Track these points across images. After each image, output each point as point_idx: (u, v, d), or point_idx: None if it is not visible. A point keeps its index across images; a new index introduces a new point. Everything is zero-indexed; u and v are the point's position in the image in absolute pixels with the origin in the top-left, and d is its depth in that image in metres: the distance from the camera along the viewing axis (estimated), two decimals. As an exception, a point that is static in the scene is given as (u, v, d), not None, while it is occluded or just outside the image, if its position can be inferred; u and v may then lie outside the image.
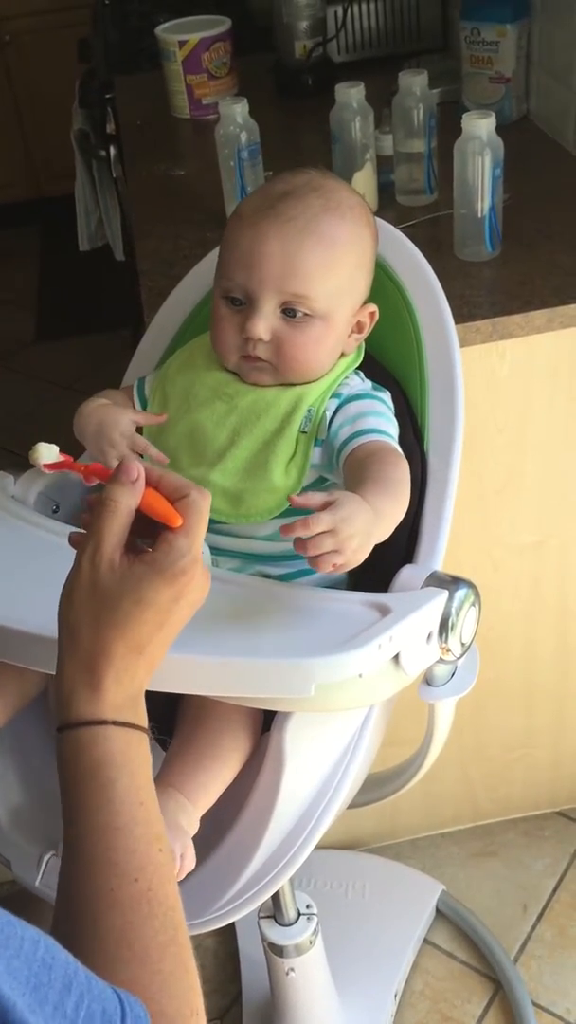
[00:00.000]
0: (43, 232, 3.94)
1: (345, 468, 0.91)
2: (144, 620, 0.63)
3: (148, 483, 0.66)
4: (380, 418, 0.94)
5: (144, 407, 1.04)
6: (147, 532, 0.66)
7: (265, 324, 0.92)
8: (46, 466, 0.79)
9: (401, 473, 0.88)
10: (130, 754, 0.63)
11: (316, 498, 0.77)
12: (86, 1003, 0.48)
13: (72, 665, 0.64)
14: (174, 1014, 0.57)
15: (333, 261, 0.92)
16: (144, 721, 0.66)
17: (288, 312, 0.92)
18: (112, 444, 0.96)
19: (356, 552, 0.76)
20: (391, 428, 0.94)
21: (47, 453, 0.79)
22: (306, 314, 0.92)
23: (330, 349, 0.95)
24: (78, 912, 0.60)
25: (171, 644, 0.66)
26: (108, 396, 1.04)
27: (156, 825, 0.63)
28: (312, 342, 0.93)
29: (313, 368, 0.95)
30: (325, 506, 0.76)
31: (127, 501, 0.65)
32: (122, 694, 0.64)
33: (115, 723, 0.63)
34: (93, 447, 0.99)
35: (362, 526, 0.76)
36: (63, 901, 0.61)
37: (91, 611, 0.64)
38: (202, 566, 0.66)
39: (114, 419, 0.97)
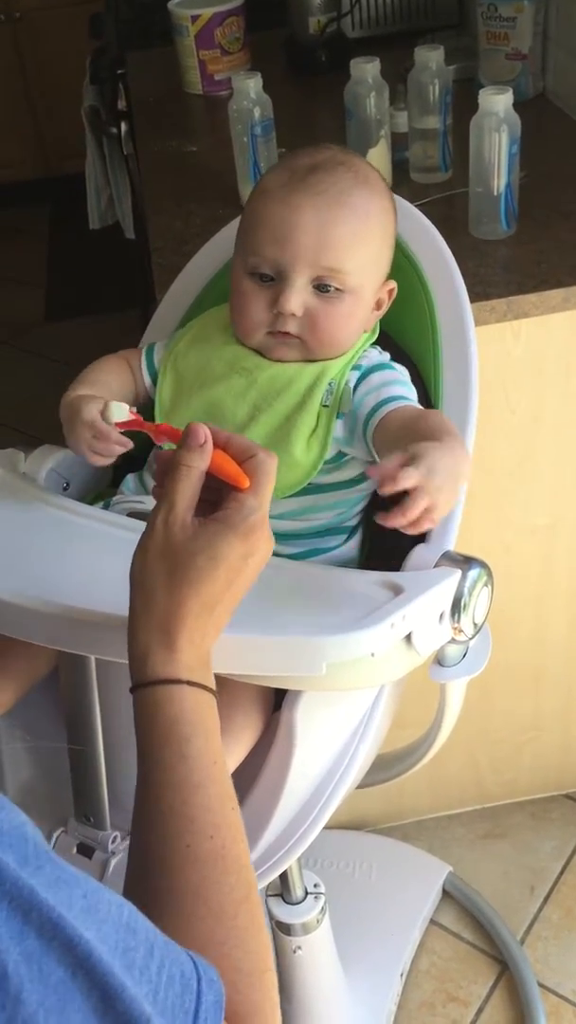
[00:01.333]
0: (53, 210, 3.92)
1: (379, 436, 0.90)
2: (216, 577, 0.65)
3: (216, 445, 0.68)
4: (403, 386, 0.94)
5: (153, 378, 1.03)
6: (214, 495, 0.68)
7: (299, 299, 0.91)
8: (117, 424, 0.82)
9: (449, 422, 0.87)
10: (202, 714, 0.65)
11: (393, 460, 0.76)
12: (167, 967, 0.48)
13: (146, 625, 0.66)
14: (250, 970, 0.58)
15: (365, 234, 0.92)
16: (213, 684, 0.67)
17: (320, 287, 0.91)
18: (77, 437, 0.92)
19: (448, 500, 0.77)
20: (412, 395, 0.94)
21: (118, 412, 0.82)
22: (338, 289, 0.91)
23: (359, 324, 0.95)
24: (154, 870, 0.61)
25: (235, 606, 0.68)
26: (95, 375, 1.01)
27: (228, 785, 0.65)
28: (344, 317, 0.92)
29: (343, 343, 0.94)
30: (405, 462, 0.75)
31: (198, 464, 0.67)
32: (194, 654, 0.65)
33: (189, 683, 0.65)
34: (71, 445, 0.96)
35: (446, 471, 0.76)
36: (137, 861, 0.62)
37: (165, 570, 0.65)
38: (268, 527, 0.68)
39: (80, 412, 0.92)
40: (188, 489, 0.67)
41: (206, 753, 0.64)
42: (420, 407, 0.93)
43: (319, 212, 0.90)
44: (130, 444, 0.93)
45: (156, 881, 0.61)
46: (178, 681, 0.64)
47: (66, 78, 3.11)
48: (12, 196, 3.87)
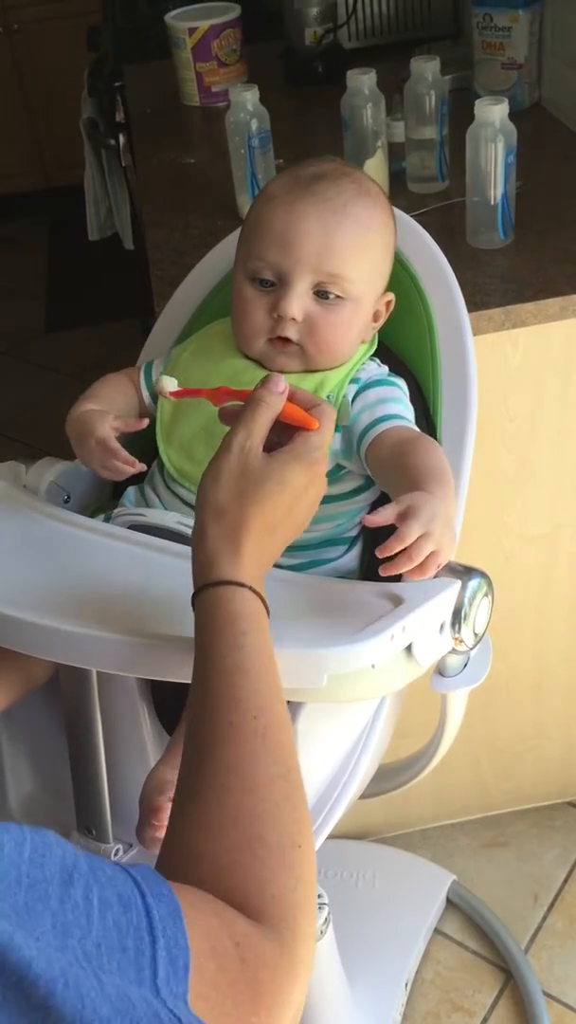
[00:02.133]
0: (52, 222, 3.93)
1: (372, 455, 0.92)
2: (281, 501, 0.72)
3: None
4: (399, 404, 0.94)
5: (153, 396, 1.03)
6: (269, 444, 0.75)
7: (299, 303, 0.91)
8: (172, 393, 0.86)
9: (440, 455, 0.89)
10: (260, 620, 0.69)
11: (388, 511, 0.79)
12: (95, 891, 0.48)
13: (215, 534, 0.71)
14: (274, 843, 0.59)
15: (366, 244, 0.93)
16: (267, 605, 0.71)
17: (320, 294, 0.92)
18: (90, 454, 0.96)
19: (450, 544, 0.80)
20: (409, 414, 0.95)
21: (169, 383, 0.87)
22: (338, 296, 0.92)
23: (357, 334, 0.95)
24: (197, 748, 0.64)
25: (289, 540, 0.75)
26: (101, 390, 1.03)
27: (278, 683, 0.67)
28: (343, 324, 0.93)
29: (342, 352, 0.95)
30: (402, 516, 0.78)
31: (275, 404, 0.75)
32: (255, 569, 0.71)
33: (251, 589, 0.70)
34: (80, 458, 0.99)
35: (443, 518, 0.79)
36: (186, 746, 0.65)
37: (237, 489, 0.72)
38: (325, 466, 0.76)
39: (90, 428, 0.96)
40: (265, 422, 0.74)
41: (261, 649, 0.67)
42: (414, 428, 0.93)
43: (323, 219, 0.91)
44: (138, 464, 0.95)
45: (197, 758, 0.63)
46: (242, 585, 0.69)
47: (64, 90, 3.13)
48: (11, 208, 3.88)
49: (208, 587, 0.70)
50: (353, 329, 0.94)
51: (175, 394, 0.87)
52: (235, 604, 0.69)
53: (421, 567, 0.78)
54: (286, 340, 0.93)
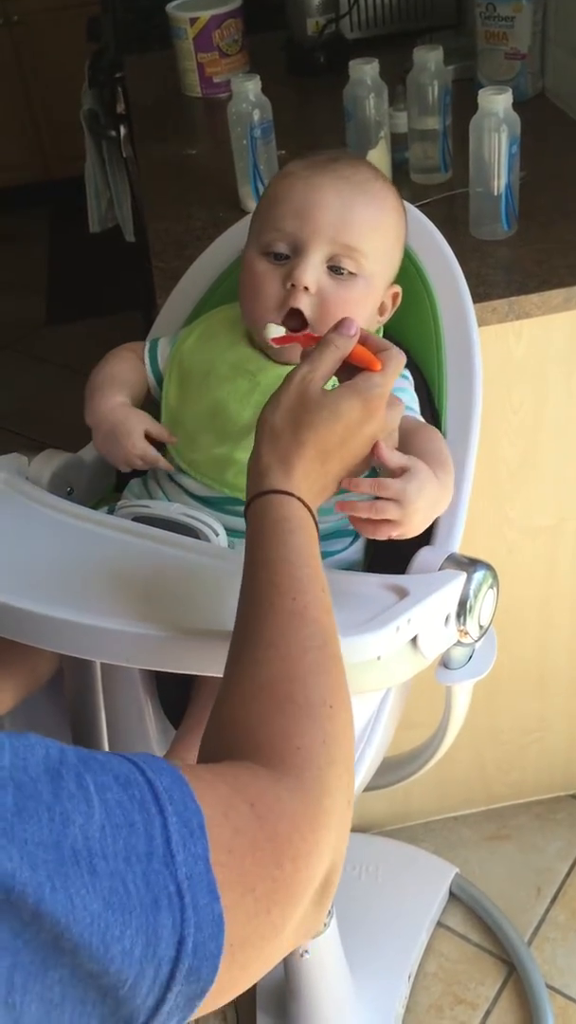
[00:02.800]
0: (53, 214, 3.92)
1: None
2: (334, 431, 0.74)
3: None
4: (405, 394, 0.94)
5: (157, 378, 1.03)
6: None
7: (314, 273, 0.91)
8: (274, 340, 0.88)
9: (443, 444, 0.90)
10: (308, 527, 0.71)
11: (396, 459, 0.79)
12: (89, 778, 0.47)
13: (269, 453, 0.74)
14: (303, 702, 0.61)
15: (383, 223, 0.93)
16: (318, 522, 0.73)
17: (334, 269, 0.92)
18: (127, 460, 0.98)
19: (419, 525, 0.80)
20: (415, 403, 0.95)
21: (274, 330, 0.88)
22: (351, 272, 0.92)
23: (367, 317, 0.95)
24: (237, 633, 0.67)
25: (342, 474, 0.76)
26: (120, 377, 1.03)
27: (321, 577, 0.69)
28: (354, 301, 0.92)
29: None
30: (401, 471, 0.79)
31: (344, 346, 0.76)
32: (307, 489, 0.73)
33: (301, 500, 0.72)
34: (103, 450, 1.00)
35: (430, 499, 0.79)
36: (231, 640, 0.67)
37: (293, 415, 0.74)
38: (386, 407, 0.77)
39: (127, 430, 0.97)
40: (330, 361, 0.76)
41: (306, 548, 0.70)
42: (419, 418, 0.93)
43: (341, 194, 0.92)
44: (169, 467, 0.98)
45: (237, 639, 0.66)
46: (291, 495, 0.72)
47: (65, 81, 3.11)
48: (12, 200, 3.87)
49: (259, 496, 0.72)
50: (364, 308, 0.94)
51: (275, 340, 0.88)
52: (283, 509, 0.71)
53: (373, 524, 0.79)
54: (298, 312, 0.91)
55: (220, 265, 1.12)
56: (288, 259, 0.92)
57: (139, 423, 0.98)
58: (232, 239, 1.11)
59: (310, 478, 0.74)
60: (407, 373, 0.97)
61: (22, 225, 3.88)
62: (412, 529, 0.80)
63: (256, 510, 0.72)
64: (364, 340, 0.78)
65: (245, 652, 0.64)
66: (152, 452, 0.97)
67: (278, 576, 0.67)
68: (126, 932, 0.44)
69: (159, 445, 0.99)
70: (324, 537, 0.95)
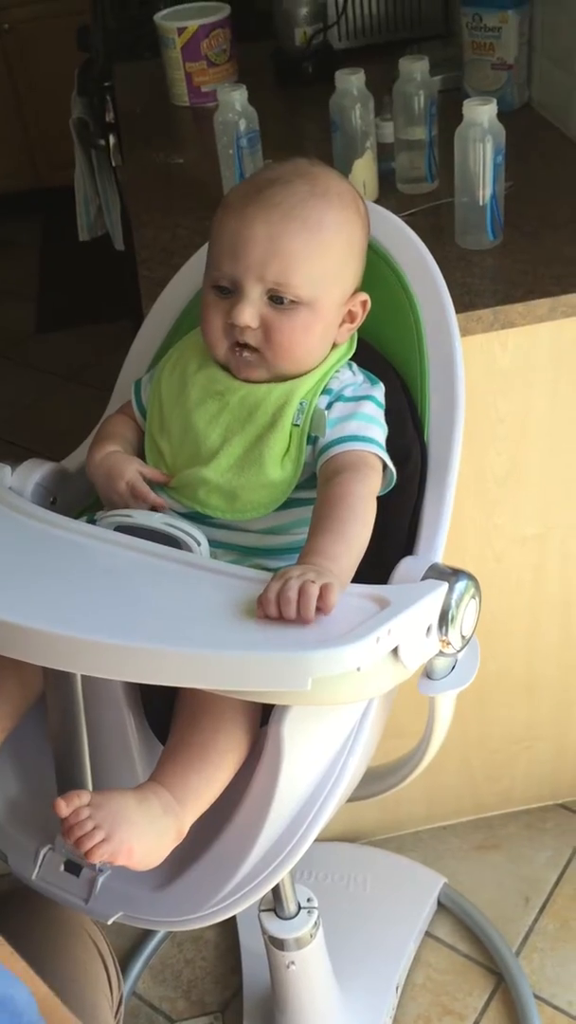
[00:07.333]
0: (43, 222, 3.92)
1: (321, 473, 0.92)
2: None
3: None
4: (364, 421, 0.93)
5: (144, 414, 1.04)
6: None
7: (252, 311, 0.91)
8: None
9: (364, 489, 0.89)
10: None
11: (270, 589, 0.78)
12: None
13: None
14: None
15: (318, 246, 0.91)
16: None
17: (275, 299, 0.91)
18: (120, 495, 0.98)
19: (334, 591, 0.77)
20: (375, 431, 0.93)
21: None
22: (292, 301, 0.91)
23: (320, 337, 0.94)
24: None
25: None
26: (112, 432, 1.04)
27: None
28: (300, 329, 0.92)
29: (303, 357, 0.94)
30: (277, 599, 0.77)
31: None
32: None
33: None
34: (104, 497, 1.01)
35: (313, 576, 0.78)
36: None
37: None
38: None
39: (119, 471, 0.99)
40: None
41: None
42: (367, 450, 0.91)
43: (270, 225, 0.90)
44: (165, 505, 0.97)
45: None
46: None
47: (54, 90, 3.12)
48: (3, 208, 3.87)
49: None
50: (312, 332, 0.93)
51: None
52: None
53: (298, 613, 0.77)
54: (245, 345, 0.93)
55: (199, 281, 1.11)
56: (232, 293, 0.93)
57: (131, 464, 0.99)
58: (197, 264, 1.10)
59: None
60: (377, 391, 0.96)
61: (13, 233, 3.88)
62: (328, 605, 0.78)
63: None
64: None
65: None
66: (142, 484, 0.97)
67: None
68: None
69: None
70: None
